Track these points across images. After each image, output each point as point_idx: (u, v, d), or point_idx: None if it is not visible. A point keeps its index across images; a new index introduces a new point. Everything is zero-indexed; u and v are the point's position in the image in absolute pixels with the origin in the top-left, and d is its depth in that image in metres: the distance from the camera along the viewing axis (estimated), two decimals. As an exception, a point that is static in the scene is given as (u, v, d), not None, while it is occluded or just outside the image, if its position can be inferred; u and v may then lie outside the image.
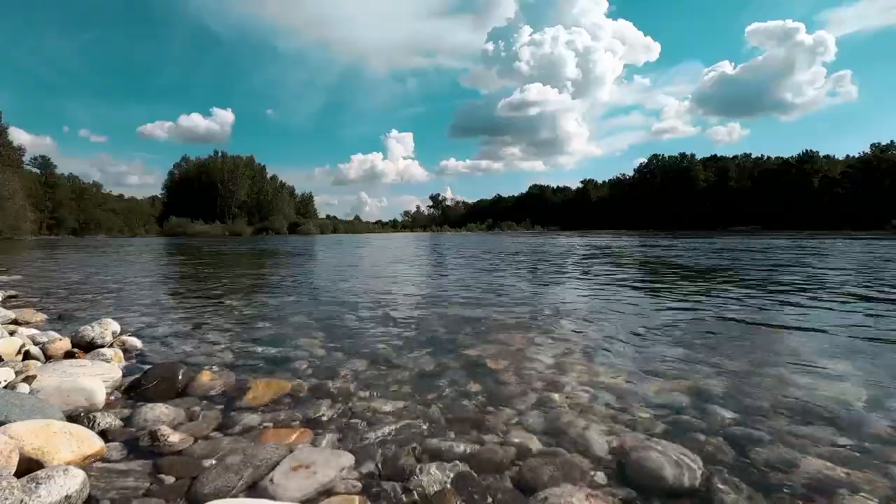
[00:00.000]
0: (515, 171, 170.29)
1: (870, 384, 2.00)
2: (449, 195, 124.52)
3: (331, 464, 1.31)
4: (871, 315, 3.56)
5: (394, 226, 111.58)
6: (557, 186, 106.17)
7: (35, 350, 2.28)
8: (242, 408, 1.76)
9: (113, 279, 6.56)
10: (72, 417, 1.57)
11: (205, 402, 1.82)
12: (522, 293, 4.96)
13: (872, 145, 58.66)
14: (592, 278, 6.41)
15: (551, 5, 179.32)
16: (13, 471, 1.13)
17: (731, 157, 75.26)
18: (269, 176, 79.81)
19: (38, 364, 2.08)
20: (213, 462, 1.34)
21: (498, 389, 1.97)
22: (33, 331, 2.72)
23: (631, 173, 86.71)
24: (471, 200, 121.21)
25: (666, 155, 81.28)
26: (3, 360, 2.11)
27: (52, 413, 1.50)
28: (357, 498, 1.18)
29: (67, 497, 1.08)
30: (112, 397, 1.83)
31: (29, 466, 1.18)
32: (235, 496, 1.18)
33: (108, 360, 2.20)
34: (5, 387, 1.69)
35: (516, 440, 1.50)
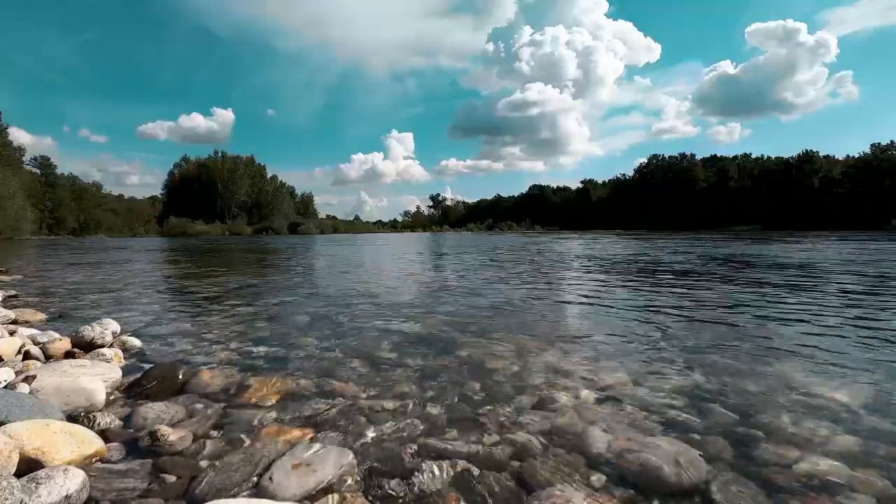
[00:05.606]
0: (515, 171, 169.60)
1: (870, 383, 2.00)
2: (449, 195, 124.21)
3: (331, 462, 1.31)
4: (870, 314, 3.55)
5: (394, 226, 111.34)
6: (557, 186, 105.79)
7: (35, 350, 2.28)
8: (242, 406, 1.76)
9: (113, 279, 6.56)
10: (72, 417, 1.57)
11: (204, 401, 1.82)
12: (522, 293, 4.96)
13: (872, 145, 58.50)
14: (592, 278, 6.41)
15: (551, 5, 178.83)
16: (13, 471, 1.13)
17: (731, 157, 74.99)
18: (269, 176, 79.94)
19: (38, 364, 2.08)
20: (213, 461, 1.34)
21: (498, 388, 1.97)
22: (33, 331, 2.72)
23: (631, 173, 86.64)
24: (471, 200, 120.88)
25: (666, 155, 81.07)
26: (3, 360, 2.11)
27: (52, 413, 1.50)
28: (357, 496, 1.18)
29: (67, 497, 1.08)
30: (112, 397, 1.83)
31: (29, 466, 1.18)
32: (235, 495, 1.18)
33: (108, 360, 2.20)
34: (5, 387, 1.69)
35: (516, 439, 1.50)
